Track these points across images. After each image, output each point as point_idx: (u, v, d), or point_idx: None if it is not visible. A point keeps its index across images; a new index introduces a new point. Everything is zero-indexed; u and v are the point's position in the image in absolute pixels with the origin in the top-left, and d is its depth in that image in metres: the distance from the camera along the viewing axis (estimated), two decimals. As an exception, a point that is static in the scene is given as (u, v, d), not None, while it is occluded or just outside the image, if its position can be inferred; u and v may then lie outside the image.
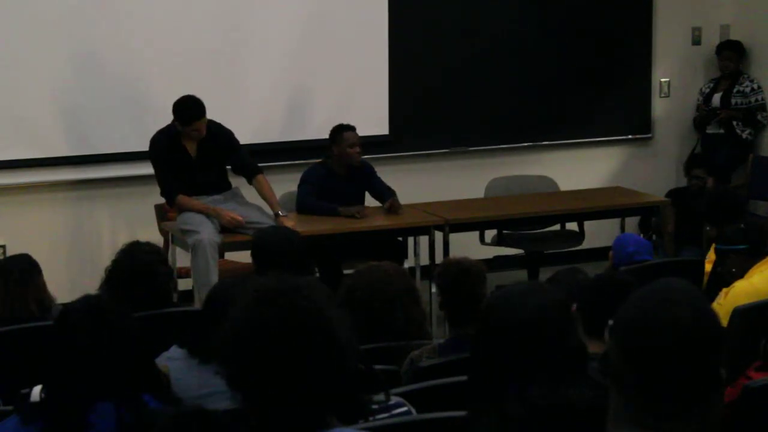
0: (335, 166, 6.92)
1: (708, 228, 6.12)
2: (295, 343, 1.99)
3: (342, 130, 6.90)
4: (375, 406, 2.46)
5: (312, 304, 2.04)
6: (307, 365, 1.99)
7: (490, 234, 7.38)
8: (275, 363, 1.98)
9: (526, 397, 2.07)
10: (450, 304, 4.07)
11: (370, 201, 7.12)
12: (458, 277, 4.04)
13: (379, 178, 7.08)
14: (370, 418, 2.45)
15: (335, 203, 6.78)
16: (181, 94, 6.98)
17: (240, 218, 6.38)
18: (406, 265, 6.68)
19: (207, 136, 6.48)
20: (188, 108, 6.37)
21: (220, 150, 6.55)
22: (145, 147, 7.29)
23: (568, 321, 2.25)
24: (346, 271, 6.28)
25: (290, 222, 6.35)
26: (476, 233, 7.26)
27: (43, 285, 4.68)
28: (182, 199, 6.46)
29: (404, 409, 2.62)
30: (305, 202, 6.84)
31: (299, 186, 6.91)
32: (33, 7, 7.06)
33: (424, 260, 6.76)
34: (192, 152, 6.49)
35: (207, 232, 6.31)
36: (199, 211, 6.42)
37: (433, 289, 5.24)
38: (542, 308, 2.23)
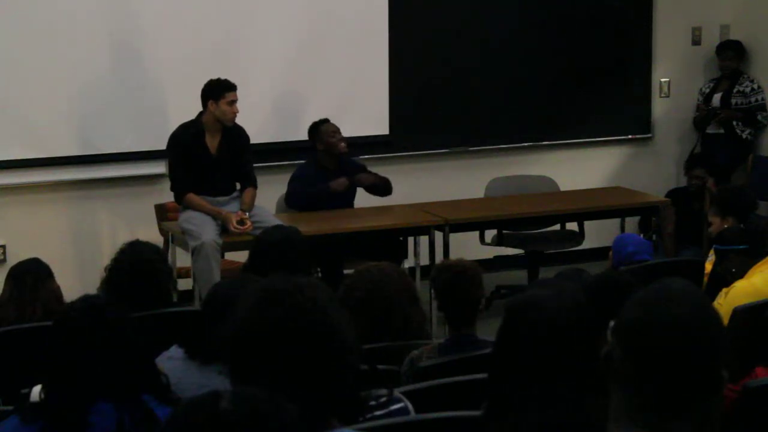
0: (324, 161, 6.94)
1: (709, 228, 6.09)
2: (299, 343, 2.00)
3: (319, 125, 6.95)
4: (372, 403, 2.45)
5: (316, 304, 2.04)
6: (311, 366, 1.99)
7: (490, 234, 7.38)
8: (279, 363, 1.99)
9: (547, 407, 2.07)
10: (447, 306, 4.07)
11: (367, 200, 7.12)
12: (453, 280, 4.04)
13: (371, 171, 7.07)
14: (368, 415, 2.45)
15: (328, 200, 6.79)
16: (181, 94, 7.00)
17: (248, 224, 6.39)
18: (406, 265, 6.68)
19: (230, 134, 6.52)
20: (219, 80, 6.43)
21: (238, 150, 6.58)
22: (145, 147, 7.34)
23: (593, 324, 2.24)
24: (346, 271, 6.27)
25: (233, 219, 6.36)
26: (476, 233, 7.26)
27: (53, 292, 4.67)
28: (191, 197, 6.48)
29: (401, 405, 2.61)
30: (295, 194, 6.86)
31: (289, 184, 6.93)
32: (33, 8, 7.06)
33: (424, 260, 6.76)
34: (213, 150, 6.51)
35: (208, 235, 6.32)
36: (207, 213, 6.43)
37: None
38: (569, 311, 2.22)
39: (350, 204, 7.08)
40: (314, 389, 1.98)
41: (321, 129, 6.94)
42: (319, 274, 6.37)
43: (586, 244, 7.59)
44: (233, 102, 6.44)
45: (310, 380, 1.99)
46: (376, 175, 7.05)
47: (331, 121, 7.00)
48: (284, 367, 1.98)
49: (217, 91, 6.41)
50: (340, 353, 2.02)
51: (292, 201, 6.90)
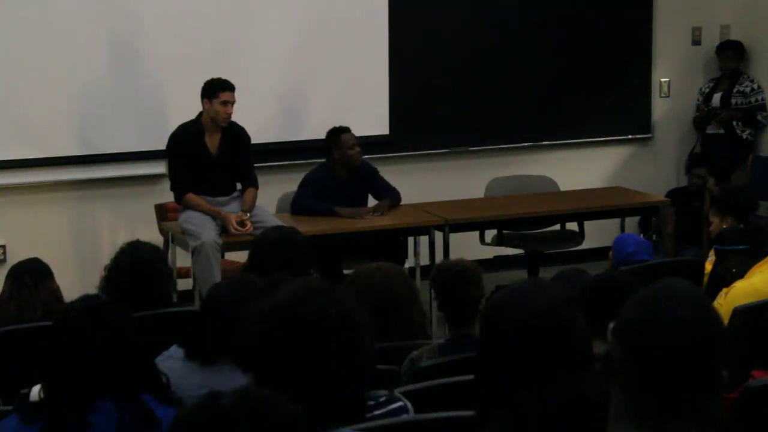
0: (336, 169, 6.91)
1: (710, 227, 6.10)
2: (324, 344, 2.01)
3: (339, 133, 6.89)
4: (371, 402, 2.46)
5: (344, 308, 2.05)
6: (332, 367, 2.00)
7: (490, 234, 7.38)
8: (301, 361, 2.00)
9: (543, 395, 2.07)
10: (447, 306, 4.06)
11: (369, 200, 7.11)
12: (453, 280, 4.04)
13: (382, 178, 7.07)
14: (367, 415, 2.45)
15: (338, 206, 6.77)
16: (182, 95, 7.00)
17: (249, 225, 6.38)
18: (406, 265, 6.68)
19: (230, 134, 6.52)
20: (216, 80, 6.44)
21: (238, 150, 6.58)
22: (145, 147, 7.34)
23: (574, 318, 2.24)
24: (346, 271, 6.27)
25: (234, 221, 6.35)
26: (476, 233, 7.26)
27: (53, 292, 4.67)
28: (191, 197, 6.48)
29: (400, 404, 2.61)
30: (300, 203, 6.84)
31: (298, 188, 6.91)
32: (33, 8, 7.06)
33: (425, 260, 6.76)
34: (212, 150, 6.51)
35: (208, 235, 6.31)
36: (206, 213, 6.43)
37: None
38: (547, 308, 2.22)
39: (363, 204, 7.06)
40: (331, 390, 2.00)
41: (341, 138, 6.87)
42: (318, 275, 6.35)
43: (586, 244, 7.59)
44: (227, 102, 6.42)
45: (330, 381, 2.00)
46: (390, 193, 7.02)
47: (342, 127, 6.95)
48: (306, 366, 1.99)
49: (213, 90, 6.42)
50: (362, 358, 2.04)
51: (296, 209, 6.85)
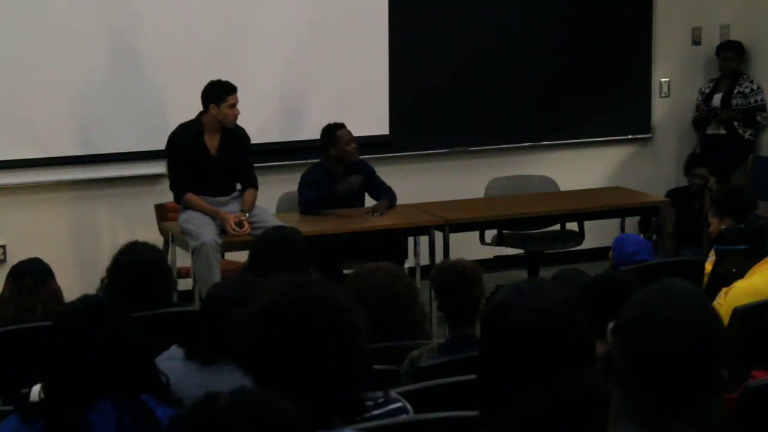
0: (333, 166, 6.92)
1: (710, 227, 6.09)
2: (321, 341, 2.01)
3: (335, 129, 6.90)
4: (370, 403, 2.46)
5: (338, 305, 2.06)
6: (330, 364, 2.01)
7: (490, 234, 7.38)
8: (298, 358, 2.00)
9: (544, 395, 2.07)
10: (447, 306, 4.06)
11: (369, 200, 7.12)
12: (453, 280, 4.04)
13: (378, 178, 7.08)
14: (366, 415, 2.45)
15: (335, 203, 6.78)
16: (182, 95, 7.00)
17: (246, 226, 6.38)
18: (406, 265, 6.68)
19: (229, 134, 6.52)
20: (221, 83, 6.43)
21: (238, 151, 6.58)
22: (145, 147, 7.34)
23: (574, 318, 2.25)
24: (346, 271, 6.27)
25: (232, 221, 6.35)
26: (476, 233, 7.26)
27: (54, 292, 4.66)
28: (190, 197, 6.48)
29: (399, 404, 2.61)
30: (305, 201, 6.85)
31: (299, 188, 6.91)
32: (33, 8, 7.06)
33: (425, 260, 6.76)
34: (212, 150, 6.52)
35: (208, 235, 6.32)
36: (206, 213, 6.43)
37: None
38: (547, 308, 2.22)
39: (360, 201, 7.07)
40: (329, 388, 2.00)
41: (337, 134, 6.89)
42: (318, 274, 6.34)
43: (586, 244, 7.59)
44: (234, 105, 6.44)
45: (327, 379, 2.00)
46: (386, 192, 7.02)
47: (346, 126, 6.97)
48: (303, 363, 2.00)
49: (219, 94, 6.41)
50: (358, 356, 2.04)
51: (304, 209, 6.86)
